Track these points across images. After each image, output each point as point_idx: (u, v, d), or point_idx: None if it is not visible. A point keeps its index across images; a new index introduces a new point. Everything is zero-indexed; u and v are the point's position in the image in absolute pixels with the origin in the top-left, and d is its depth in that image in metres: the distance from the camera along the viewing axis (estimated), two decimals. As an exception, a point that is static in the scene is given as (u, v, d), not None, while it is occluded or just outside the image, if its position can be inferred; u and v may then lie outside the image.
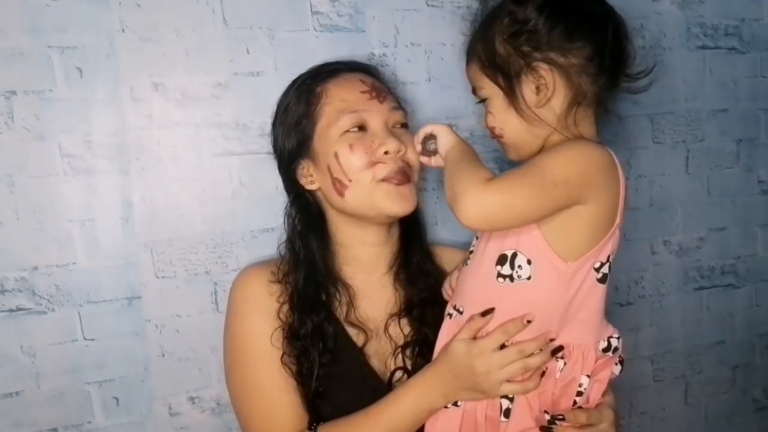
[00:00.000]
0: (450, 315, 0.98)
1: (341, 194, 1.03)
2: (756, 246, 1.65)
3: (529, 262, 0.89)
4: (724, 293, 1.64)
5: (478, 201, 0.83)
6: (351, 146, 1.01)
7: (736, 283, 1.65)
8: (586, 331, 0.92)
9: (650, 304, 1.57)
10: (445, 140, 0.96)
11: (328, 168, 1.03)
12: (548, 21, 0.90)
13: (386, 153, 1.01)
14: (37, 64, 1.11)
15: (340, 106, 1.03)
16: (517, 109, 0.92)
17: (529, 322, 0.90)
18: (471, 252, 1.00)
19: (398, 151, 1.02)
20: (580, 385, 0.91)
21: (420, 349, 1.05)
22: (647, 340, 1.58)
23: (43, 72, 1.11)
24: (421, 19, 1.30)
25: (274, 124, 1.13)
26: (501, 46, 0.92)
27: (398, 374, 1.04)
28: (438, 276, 1.12)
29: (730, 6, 1.54)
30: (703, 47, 1.54)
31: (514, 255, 0.90)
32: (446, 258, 1.17)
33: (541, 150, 0.95)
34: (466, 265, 0.99)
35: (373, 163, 1.01)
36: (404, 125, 1.08)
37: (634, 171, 1.50)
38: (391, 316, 1.08)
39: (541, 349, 0.90)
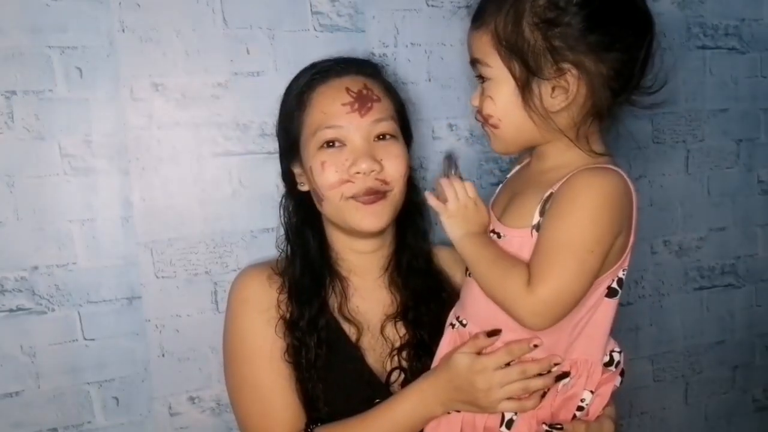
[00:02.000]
0: (452, 325, 0.96)
1: (320, 202, 1.03)
2: (756, 246, 1.65)
3: None
4: (724, 293, 1.64)
5: (532, 309, 0.79)
6: (323, 164, 0.99)
7: (736, 283, 1.65)
8: (593, 347, 0.89)
9: (650, 304, 1.57)
10: (452, 233, 0.89)
11: (309, 176, 1.03)
12: (592, 18, 0.78)
13: (357, 173, 0.98)
14: (37, 64, 1.10)
15: (320, 118, 1.01)
16: (527, 105, 0.82)
17: (536, 346, 0.87)
18: None
19: (371, 171, 0.98)
20: (582, 400, 0.89)
21: (416, 352, 1.05)
22: (647, 340, 1.58)
23: (43, 72, 1.11)
24: (421, 19, 1.30)
25: (278, 117, 1.11)
26: (528, 29, 0.79)
27: (395, 374, 1.04)
28: (434, 275, 1.12)
29: (730, 6, 1.54)
30: (703, 47, 1.54)
31: None
32: (445, 258, 1.17)
33: (536, 145, 0.89)
34: (471, 275, 0.94)
35: (344, 182, 0.99)
36: (389, 136, 1.03)
37: (634, 171, 1.50)
38: (388, 317, 1.08)
39: (547, 372, 0.87)
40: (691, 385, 1.63)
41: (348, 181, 0.99)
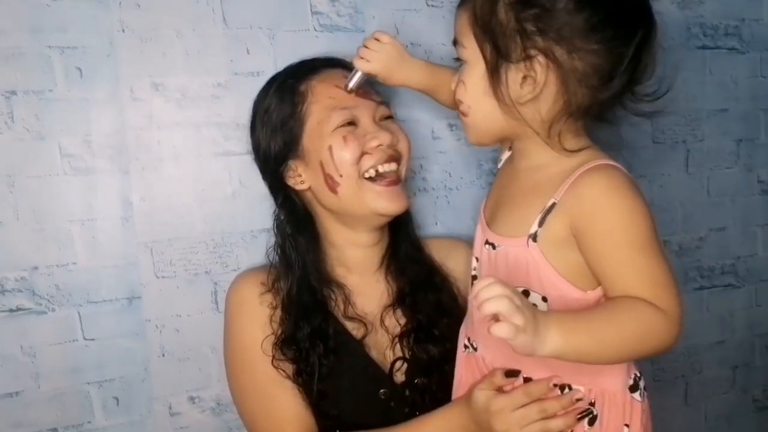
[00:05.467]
0: (465, 347, 0.94)
1: (334, 191, 1.02)
2: (756, 246, 1.65)
3: (544, 299, 0.80)
4: (724, 293, 1.64)
5: (680, 327, 0.73)
6: (345, 138, 1.01)
7: (736, 283, 1.65)
8: (617, 370, 0.82)
9: (650, 304, 1.57)
10: (547, 349, 0.70)
11: (321, 164, 1.02)
12: (571, 3, 0.73)
13: (379, 146, 1.02)
14: (37, 64, 1.10)
15: (329, 103, 1.03)
16: (495, 92, 0.77)
17: (555, 385, 0.82)
18: (474, 277, 0.94)
19: (391, 143, 1.03)
20: None
21: (416, 336, 1.06)
22: (647, 340, 1.57)
23: (43, 72, 1.11)
24: (421, 19, 1.30)
25: (253, 128, 1.11)
26: (503, 10, 0.75)
27: (398, 364, 1.05)
28: (427, 263, 1.13)
29: (730, 6, 1.54)
30: (703, 47, 1.54)
31: (525, 293, 0.80)
32: (436, 248, 1.17)
33: (510, 138, 0.84)
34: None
35: (362, 154, 1.01)
36: (390, 117, 1.09)
37: (634, 171, 1.48)
38: (386, 308, 1.08)
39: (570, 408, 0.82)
40: (691, 385, 1.63)
41: (365, 153, 1.01)
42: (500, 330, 0.66)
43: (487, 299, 0.67)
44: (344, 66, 1.10)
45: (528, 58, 0.75)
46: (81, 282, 1.16)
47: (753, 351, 1.69)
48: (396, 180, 1.04)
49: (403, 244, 1.13)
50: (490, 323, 0.67)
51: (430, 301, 1.08)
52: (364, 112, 1.04)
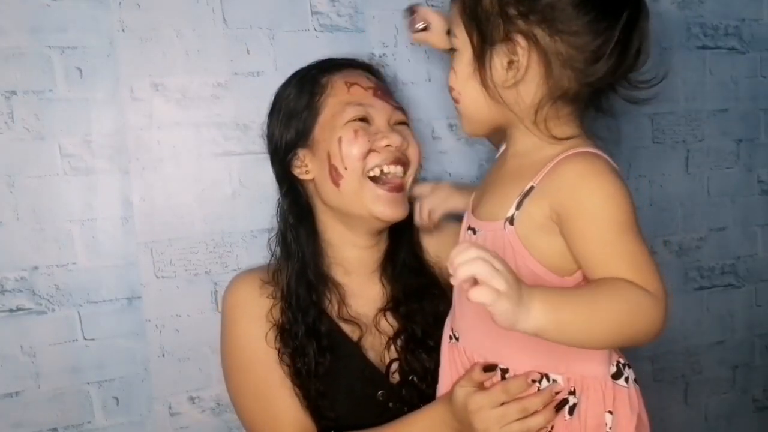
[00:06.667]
0: (450, 338, 0.94)
1: (336, 183, 1.02)
2: (756, 246, 1.65)
3: None
4: (724, 293, 1.64)
5: (666, 307, 0.73)
6: (356, 132, 1.01)
7: (736, 283, 1.65)
8: (598, 357, 0.82)
9: (650, 304, 1.57)
10: (530, 323, 0.66)
11: (328, 155, 1.02)
12: None
13: (387, 146, 1.02)
14: (37, 64, 1.11)
15: (346, 98, 1.03)
16: (481, 77, 0.79)
17: (533, 381, 0.81)
18: None
19: (400, 146, 1.03)
20: (607, 426, 0.81)
21: (409, 346, 1.05)
22: (647, 340, 1.57)
23: (43, 72, 1.11)
24: (421, 19, 1.30)
25: (270, 114, 1.12)
26: None
27: (394, 366, 1.05)
28: (426, 273, 1.12)
29: (730, 6, 1.54)
30: (703, 47, 1.54)
31: None
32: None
33: (502, 127, 0.84)
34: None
35: (370, 151, 1.01)
36: (405, 123, 1.09)
37: (634, 171, 1.50)
38: (380, 310, 1.08)
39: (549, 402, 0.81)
40: (691, 385, 1.63)
41: (373, 151, 1.01)
42: (479, 294, 0.62)
43: (463, 263, 0.63)
44: (368, 69, 1.12)
45: (509, 41, 0.75)
46: (81, 282, 1.16)
47: (753, 351, 1.69)
48: (399, 187, 1.03)
49: (401, 250, 1.11)
50: (468, 288, 0.63)
51: (426, 312, 1.07)
52: (380, 112, 1.04)
